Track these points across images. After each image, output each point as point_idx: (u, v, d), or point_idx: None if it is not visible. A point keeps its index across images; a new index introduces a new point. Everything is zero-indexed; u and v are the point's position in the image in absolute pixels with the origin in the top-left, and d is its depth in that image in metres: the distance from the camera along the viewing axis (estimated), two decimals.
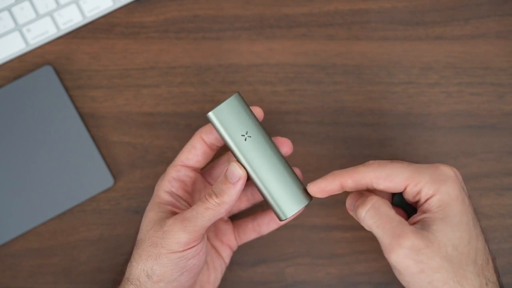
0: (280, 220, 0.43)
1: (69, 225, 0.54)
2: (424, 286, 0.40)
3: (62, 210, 0.54)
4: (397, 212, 0.45)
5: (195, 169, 0.46)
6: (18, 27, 0.55)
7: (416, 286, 0.41)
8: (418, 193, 0.41)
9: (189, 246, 0.42)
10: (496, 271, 0.42)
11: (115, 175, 0.55)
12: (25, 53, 0.56)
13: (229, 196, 0.42)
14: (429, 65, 0.55)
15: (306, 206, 0.47)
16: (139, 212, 0.54)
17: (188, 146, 0.46)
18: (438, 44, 0.56)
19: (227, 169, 0.42)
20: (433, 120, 0.55)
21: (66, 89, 0.55)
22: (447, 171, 0.42)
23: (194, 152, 0.45)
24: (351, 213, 0.44)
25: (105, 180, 0.54)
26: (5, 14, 0.55)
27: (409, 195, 0.42)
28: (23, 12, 0.55)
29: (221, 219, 0.51)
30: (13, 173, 0.54)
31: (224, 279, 0.53)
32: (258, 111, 0.45)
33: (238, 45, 0.56)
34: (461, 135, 0.55)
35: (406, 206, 0.45)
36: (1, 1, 0.55)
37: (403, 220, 0.41)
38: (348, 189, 0.43)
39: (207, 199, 0.42)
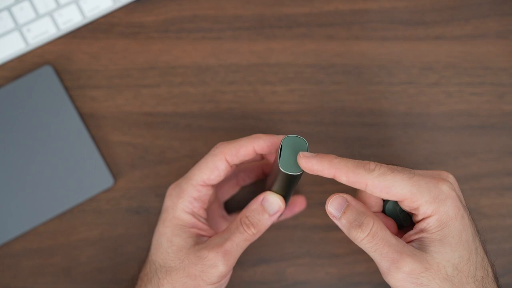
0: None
1: (69, 225, 0.54)
2: None
3: (62, 210, 0.53)
4: (388, 223, 0.43)
5: (213, 185, 0.46)
6: (18, 27, 0.55)
7: None
8: (416, 209, 0.40)
9: (226, 276, 0.44)
10: (495, 279, 0.41)
11: (115, 175, 0.55)
12: (25, 53, 0.56)
13: (264, 227, 0.43)
14: (429, 65, 0.55)
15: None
16: (139, 212, 0.54)
17: (210, 165, 0.44)
18: (438, 44, 0.56)
19: (263, 199, 0.43)
20: (433, 120, 0.55)
21: (66, 89, 0.55)
22: (447, 190, 0.40)
23: (217, 173, 0.44)
24: (335, 220, 0.42)
25: (105, 180, 0.54)
26: (5, 14, 0.55)
27: (405, 207, 0.41)
28: (23, 12, 0.55)
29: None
30: (13, 173, 0.54)
31: None
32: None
33: (238, 45, 0.56)
34: (461, 135, 0.55)
35: (399, 214, 0.44)
36: (1, 1, 0.55)
37: (400, 242, 0.40)
38: (338, 180, 0.41)
39: (245, 230, 0.43)
